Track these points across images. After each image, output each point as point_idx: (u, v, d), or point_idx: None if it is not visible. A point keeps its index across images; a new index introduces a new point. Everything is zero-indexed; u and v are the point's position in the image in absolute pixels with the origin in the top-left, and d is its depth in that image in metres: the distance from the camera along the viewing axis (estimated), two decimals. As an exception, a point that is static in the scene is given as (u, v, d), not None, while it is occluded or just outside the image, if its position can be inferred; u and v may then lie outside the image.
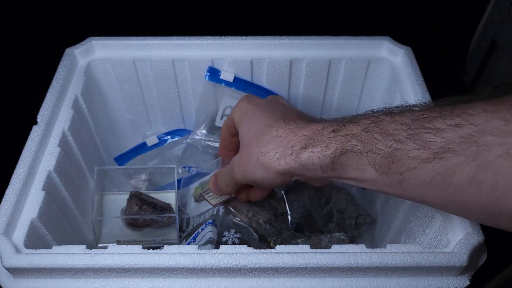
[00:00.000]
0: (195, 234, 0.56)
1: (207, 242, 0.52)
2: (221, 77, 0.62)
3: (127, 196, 0.60)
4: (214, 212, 0.58)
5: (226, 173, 0.52)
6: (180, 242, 0.59)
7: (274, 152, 0.43)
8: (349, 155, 0.38)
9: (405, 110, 0.37)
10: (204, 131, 0.67)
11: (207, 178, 0.62)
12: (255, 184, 0.48)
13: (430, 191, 0.34)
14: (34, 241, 0.44)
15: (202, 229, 0.55)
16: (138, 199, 0.59)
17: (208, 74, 0.62)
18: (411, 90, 0.56)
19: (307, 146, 0.41)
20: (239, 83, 0.63)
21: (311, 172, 0.41)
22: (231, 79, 0.62)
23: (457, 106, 0.33)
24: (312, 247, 0.40)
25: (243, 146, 0.48)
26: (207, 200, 0.59)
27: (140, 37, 0.61)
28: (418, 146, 0.33)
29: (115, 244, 0.58)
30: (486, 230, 0.41)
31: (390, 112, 0.38)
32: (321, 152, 0.39)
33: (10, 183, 0.45)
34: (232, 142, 0.56)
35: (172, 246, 0.40)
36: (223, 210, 0.58)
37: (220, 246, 0.41)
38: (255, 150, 0.44)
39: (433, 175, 0.33)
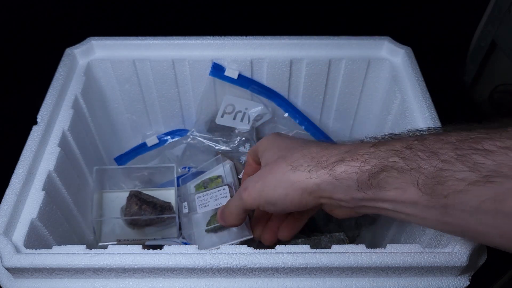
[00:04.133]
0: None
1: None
2: (226, 73, 0.62)
3: (127, 194, 0.60)
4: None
5: (233, 199, 0.46)
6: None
7: (306, 165, 0.39)
8: (389, 172, 0.35)
9: (450, 130, 0.34)
10: (204, 130, 0.67)
11: (207, 176, 0.62)
12: (270, 208, 0.42)
13: (477, 218, 0.31)
14: (34, 241, 0.44)
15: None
16: (137, 199, 0.59)
17: (212, 70, 0.62)
18: (411, 90, 0.56)
19: (343, 159, 0.37)
20: (243, 80, 0.63)
21: (344, 191, 0.37)
22: (235, 76, 0.62)
23: (506, 128, 0.31)
24: (312, 247, 0.40)
25: (265, 166, 0.43)
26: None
27: (140, 37, 0.61)
28: (467, 168, 0.31)
29: (116, 243, 0.58)
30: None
31: (434, 132, 0.36)
32: (359, 166, 0.36)
33: (10, 183, 0.45)
34: (256, 170, 0.49)
35: (172, 246, 0.40)
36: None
37: (220, 246, 0.41)
38: (281, 165, 0.40)
39: (482, 200, 0.30)
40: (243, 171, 0.57)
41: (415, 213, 0.35)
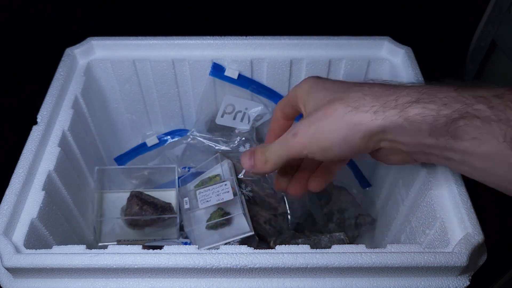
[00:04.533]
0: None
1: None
2: (226, 73, 0.62)
3: (127, 194, 0.60)
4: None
5: (275, 145, 0.41)
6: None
7: (370, 106, 0.35)
8: (470, 120, 0.31)
9: None
10: (204, 130, 0.67)
11: (206, 175, 0.62)
12: (321, 155, 0.38)
13: None
14: (34, 241, 0.44)
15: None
16: (138, 199, 0.59)
17: (212, 70, 0.62)
18: (411, 90, 0.56)
19: (418, 100, 0.33)
20: (243, 80, 0.63)
21: (412, 135, 0.34)
22: (235, 76, 0.62)
23: None
24: (312, 247, 0.40)
25: (315, 110, 0.38)
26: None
27: (140, 37, 0.61)
28: None
29: (116, 243, 0.58)
30: (486, 230, 0.41)
31: None
32: (437, 110, 0.32)
33: (10, 183, 0.45)
34: (285, 126, 0.46)
35: (172, 246, 0.40)
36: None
37: (220, 246, 0.41)
38: (338, 107, 0.36)
39: None
40: (269, 127, 0.50)
41: (486, 167, 0.32)
